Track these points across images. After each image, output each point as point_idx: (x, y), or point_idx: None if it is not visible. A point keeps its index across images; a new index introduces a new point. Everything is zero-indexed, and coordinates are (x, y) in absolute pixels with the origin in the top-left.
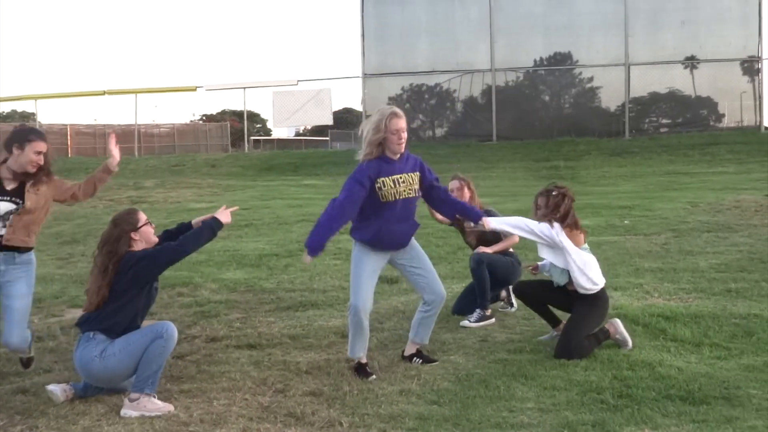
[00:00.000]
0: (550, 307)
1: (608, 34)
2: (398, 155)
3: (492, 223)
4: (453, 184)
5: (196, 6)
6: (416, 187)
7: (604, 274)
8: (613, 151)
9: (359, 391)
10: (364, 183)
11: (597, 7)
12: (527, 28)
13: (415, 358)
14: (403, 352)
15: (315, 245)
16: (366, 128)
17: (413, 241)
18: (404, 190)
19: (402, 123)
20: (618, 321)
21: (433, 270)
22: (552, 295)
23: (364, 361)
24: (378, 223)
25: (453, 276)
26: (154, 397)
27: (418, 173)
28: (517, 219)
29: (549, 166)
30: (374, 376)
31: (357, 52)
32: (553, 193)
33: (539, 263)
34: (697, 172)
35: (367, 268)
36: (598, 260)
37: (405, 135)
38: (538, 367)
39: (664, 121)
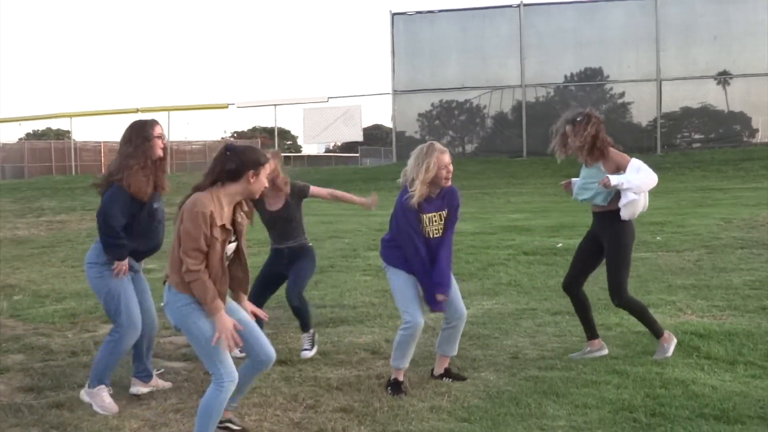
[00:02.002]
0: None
1: (639, 50)
2: (438, 191)
3: (618, 180)
4: None
5: (228, 25)
6: (443, 226)
7: (636, 291)
8: None
9: (390, 407)
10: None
11: (628, 22)
12: (558, 43)
13: (444, 378)
14: (432, 370)
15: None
16: (414, 169)
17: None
18: (432, 230)
19: (449, 157)
20: (675, 340)
21: (456, 295)
22: (584, 258)
23: (401, 378)
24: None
25: (483, 293)
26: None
27: (446, 210)
28: (635, 175)
29: None
30: (405, 394)
31: (387, 69)
32: (578, 119)
33: (572, 179)
34: (730, 187)
35: (410, 286)
36: (631, 277)
37: (452, 169)
38: (569, 385)
39: (697, 136)
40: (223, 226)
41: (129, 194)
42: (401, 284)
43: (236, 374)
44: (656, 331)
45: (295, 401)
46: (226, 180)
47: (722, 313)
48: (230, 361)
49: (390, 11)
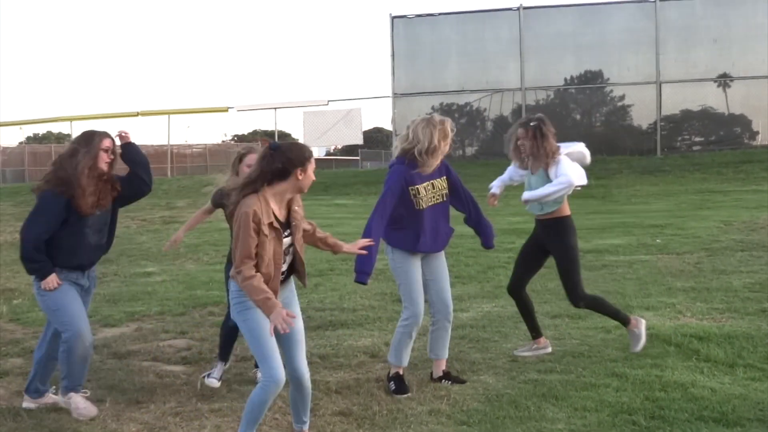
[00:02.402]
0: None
1: (639, 52)
2: None
3: (529, 195)
4: None
5: (229, 28)
6: (445, 192)
7: (636, 293)
8: (645, 170)
9: (389, 411)
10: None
11: (628, 25)
12: (557, 46)
13: (443, 380)
14: (431, 374)
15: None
16: (432, 138)
17: (442, 254)
18: (432, 197)
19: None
20: (643, 321)
21: (446, 287)
22: (527, 261)
23: (402, 372)
24: (414, 228)
25: (483, 296)
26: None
27: (445, 177)
28: (560, 180)
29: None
30: (408, 394)
31: (387, 71)
32: (532, 124)
33: (494, 191)
34: (730, 190)
35: (416, 276)
36: (631, 280)
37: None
38: (568, 388)
39: (697, 139)
40: (270, 224)
41: (64, 204)
42: (409, 276)
43: (280, 377)
44: (623, 319)
45: None
46: (273, 179)
47: (722, 315)
48: (275, 363)
49: (390, 14)
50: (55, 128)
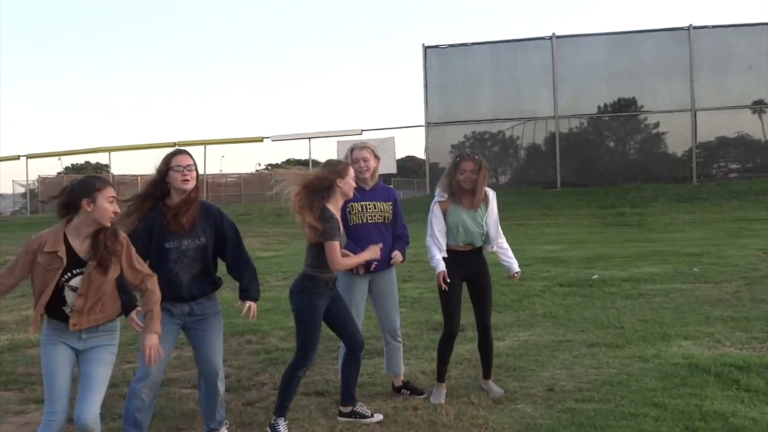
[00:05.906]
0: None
1: (673, 80)
2: (367, 184)
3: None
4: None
5: (264, 60)
6: (387, 214)
7: (674, 322)
8: (680, 197)
9: None
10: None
11: (661, 53)
12: (590, 75)
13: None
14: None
15: None
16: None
17: (392, 274)
18: (371, 216)
19: (364, 153)
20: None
21: (394, 306)
22: (459, 299)
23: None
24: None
25: (519, 324)
26: None
27: (391, 203)
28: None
29: (615, 213)
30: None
31: (420, 101)
32: (477, 156)
33: (442, 269)
34: None
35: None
36: (668, 309)
37: (367, 164)
38: (607, 418)
39: (733, 166)
40: (55, 253)
41: (149, 226)
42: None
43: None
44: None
45: None
46: (67, 214)
47: (762, 345)
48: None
49: (423, 44)
50: (94, 159)
